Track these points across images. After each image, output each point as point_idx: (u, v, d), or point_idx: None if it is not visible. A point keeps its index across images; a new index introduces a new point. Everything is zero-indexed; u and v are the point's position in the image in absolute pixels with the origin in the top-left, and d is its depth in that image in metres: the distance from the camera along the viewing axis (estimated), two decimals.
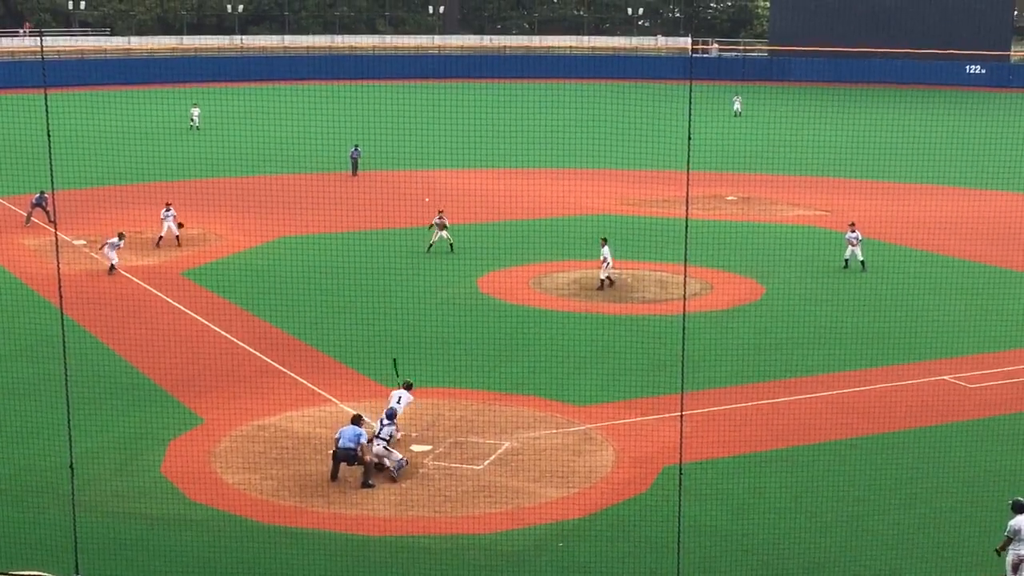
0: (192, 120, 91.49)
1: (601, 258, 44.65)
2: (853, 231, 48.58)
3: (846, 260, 48.41)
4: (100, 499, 26.13)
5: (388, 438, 27.78)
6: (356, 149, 71.89)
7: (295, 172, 70.85)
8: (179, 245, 51.35)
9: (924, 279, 46.81)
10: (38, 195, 54.32)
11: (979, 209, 58.98)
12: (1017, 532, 22.02)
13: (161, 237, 51.40)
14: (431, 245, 50.31)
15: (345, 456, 27.02)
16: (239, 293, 43.63)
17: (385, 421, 28.14)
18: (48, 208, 53.52)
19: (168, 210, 51.74)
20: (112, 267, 46.53)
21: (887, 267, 48.65)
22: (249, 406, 31.75)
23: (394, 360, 31.08)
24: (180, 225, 51.90)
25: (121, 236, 47.37)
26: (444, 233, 50.48)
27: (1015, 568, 22.13)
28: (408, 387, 29.86)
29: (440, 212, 51.30)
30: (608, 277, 44.88)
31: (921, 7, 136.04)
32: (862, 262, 48.06)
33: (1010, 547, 22.17)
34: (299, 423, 30.79)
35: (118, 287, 44.42)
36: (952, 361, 36.52)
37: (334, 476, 27.29)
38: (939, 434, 30.57)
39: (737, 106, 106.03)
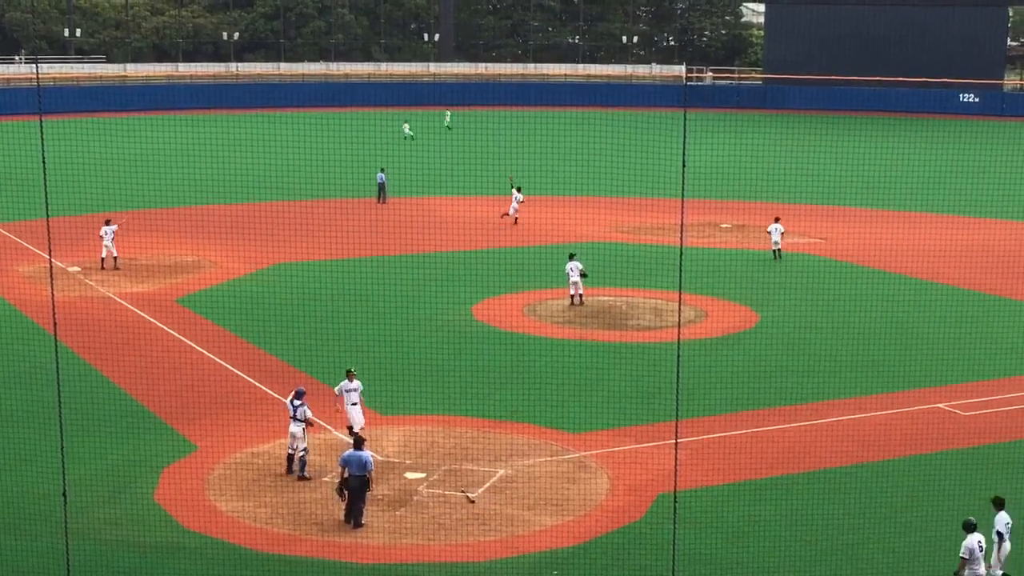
0: None
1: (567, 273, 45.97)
2: (776, 223, 55.06)
3: (774, 251, 54.59)
4: (93, 526, 26.02)
5: (304, 419, 28.80)
6: (382, 174, 71.32)
7: (290, 199, 70.89)
8: (116, 267, 51.30)
9: (919, 307, 46.89)
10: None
11: (973, 237, 59.08)
12: (971, 552, 22.23)
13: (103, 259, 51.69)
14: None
15: (358, 485, 26.28)
16: (234, 320, 43.60)
17: (296, 402, 29.01)
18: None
19: (109, 225, 51.71)
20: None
21: (882, 295, 48.70)
22: (243, 433, 31.68)
23: None
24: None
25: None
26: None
27: None
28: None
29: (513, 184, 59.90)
30: (579, 294, 45.82)
31: (915, 36, 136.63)
32: (777, 251, 54.84)
33: (966, 568, 22.30)
34: None
35: (112, 314, 44.37)
36: (946, 389, 36.52)
37: (351, 514, 26.34)
38: (934, 462, 30.54)
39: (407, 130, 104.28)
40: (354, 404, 30.58)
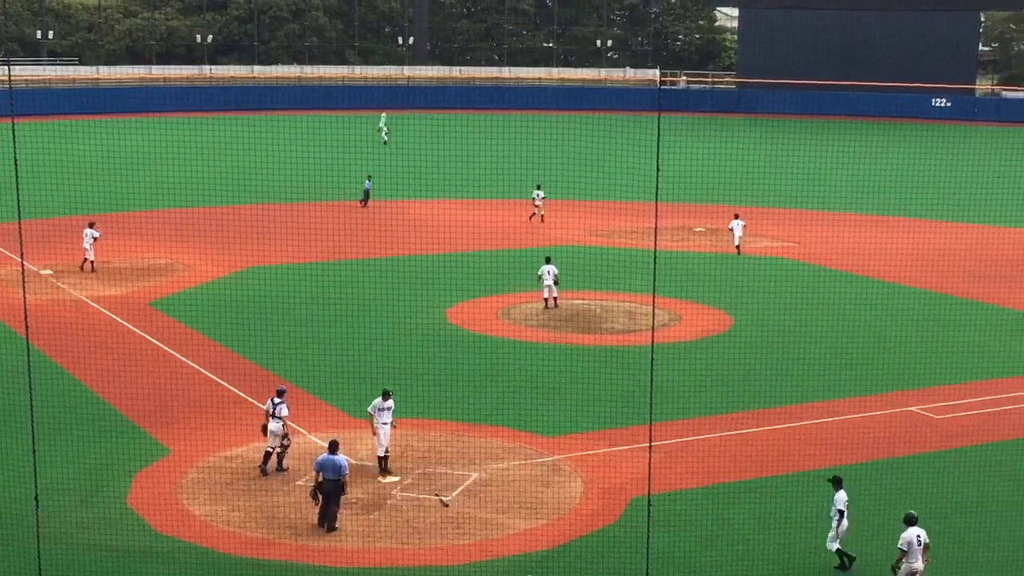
0: None
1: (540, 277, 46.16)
2: (737, 219, 58.28)
3: (737, 246, 57.48)
4: (65, 530, 25.88)
5: (282, 417, 28.99)
6: (368, 181, 71.32)
7: (264, 203, 70.67)
8: (92, 270, 51.13)
9: (891, 310, 47.13)
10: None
11: (945, 241, 59.37)
12: (910, 544, 22.84)
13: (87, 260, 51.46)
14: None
15: (333, 489, 26.30)
16: (207, 323, 43.45)
17: (277, 400, 29.24)
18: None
19: (92, 228, 51.54)
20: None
21: (855, 298, 48.89)
22: (216, 437, 31.56)
23: None
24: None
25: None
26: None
27: None
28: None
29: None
30: (554, 297, 45.91)
31: (887, 41, 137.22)
32: (737, 247, 57.62)
33: (903, 561, 22.88)
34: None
35: (85, 317, 44.16)
36: (919, 392, 36.68)
37: (324, 518, 26.33)
38: (907, 465, 30.66)
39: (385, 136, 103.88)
40: (385, 423, 29.40)
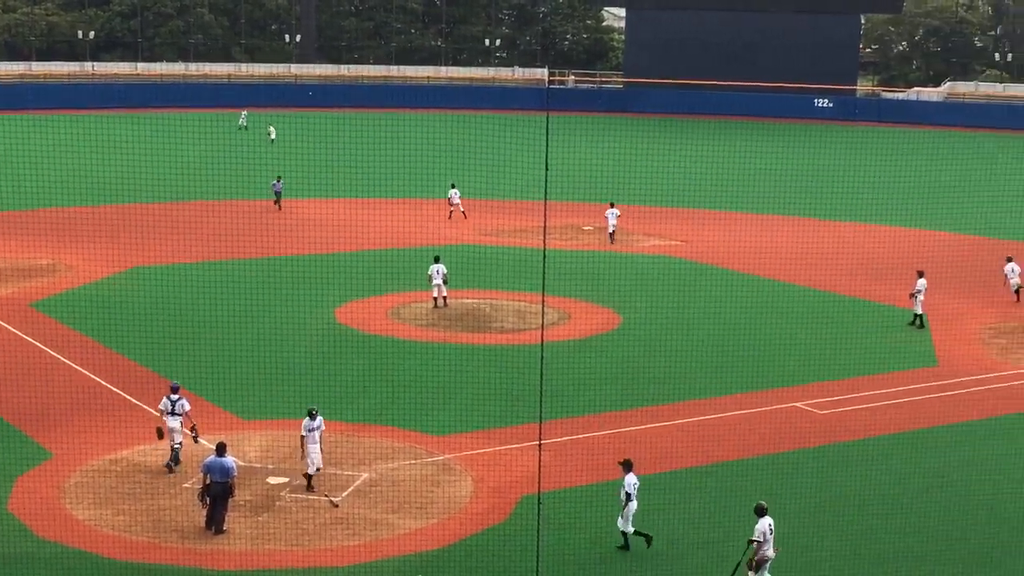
0: None
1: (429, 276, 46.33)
2: (612, 207, 61.22)
3: (609, 232, 60.83)
4: None
5: (183, 413, 29.19)
6: (278, 181, 70.40)
7: (149, 201, 69.68)
8: None
9: (776, 308, 47.84)
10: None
11: (827, 239, 60.42)
12: (763, 534, 23.54)
13: None
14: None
15: (221, 491, 25.99)
16: (90, 324, 42.69)
17: (174, 396, 29.35)
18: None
19: None
20: None
21: (741, 296, 49.55)
22: (100, 440, 31.05)
23: None
24: None
25: None
26: None
27: (758, 567, 23.59)
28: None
29: None
30: (443, 296, 46.16)
31: (772, 42, 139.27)
32: (613, 232, 60.86)
33: (759, 551, 23.54)
34: (152, 457, 30.19)
35: None
36: (803, 388, 37.31)
37: (212, 520, 25.99)
38: (791, 460, 31.17)
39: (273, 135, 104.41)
40: (314, 444, 28.62)
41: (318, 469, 28.56)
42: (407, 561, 25.02)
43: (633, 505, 25.66)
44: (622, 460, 26.33)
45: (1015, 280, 49.69)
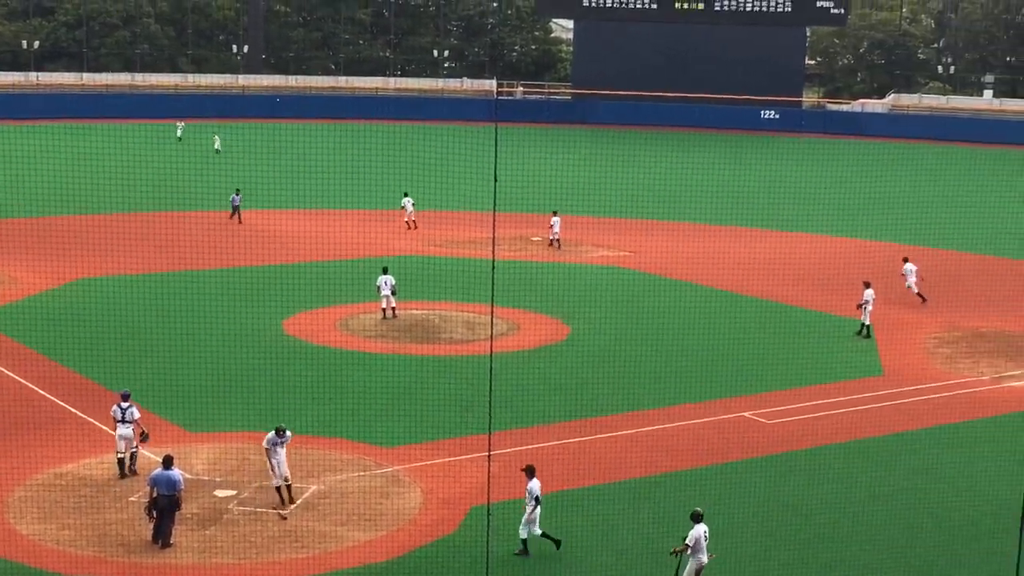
0: None
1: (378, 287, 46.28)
2: (555, 215, 63.30)
3: (551, 240, 63.02)
4: None
5: (133, 420, 29.22)
6: (237, 194, 69.71)
7: (93, 213, 69.03)
8: None
9: (725, 319, 48.07)
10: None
11: (773, 249, 60.83)
12: (697, 540, 23.82)
13: None
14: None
15: (167, 504, 25.77)
16: (34, 337, 42.22)
17: (124, 404, 29.46)
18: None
19: None
20: None
21: (689, 307, 49.70)
22: (45, 454, 30.70)
23: None
24: None
25: None
26: None
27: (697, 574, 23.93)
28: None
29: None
30: (392, 308, 46.17)
31: (719, 54, 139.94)
32: (557, 240, 62.96)
33: (691, 556, 23.78)
34: (98, 470, 29.91)
35: None
36: (751, 398, 37.51)
37: (159, 534, 25.75)
38: (739, 469, 31.33)
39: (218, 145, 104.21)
40: (280, 460, 28.28)
41: (285, 479, 28.28)
42: (356, 573, 24.93)
43: (539, 509, 25.92)
44: (525, 466, 26.54)
45: (912, 280, 50.83)
